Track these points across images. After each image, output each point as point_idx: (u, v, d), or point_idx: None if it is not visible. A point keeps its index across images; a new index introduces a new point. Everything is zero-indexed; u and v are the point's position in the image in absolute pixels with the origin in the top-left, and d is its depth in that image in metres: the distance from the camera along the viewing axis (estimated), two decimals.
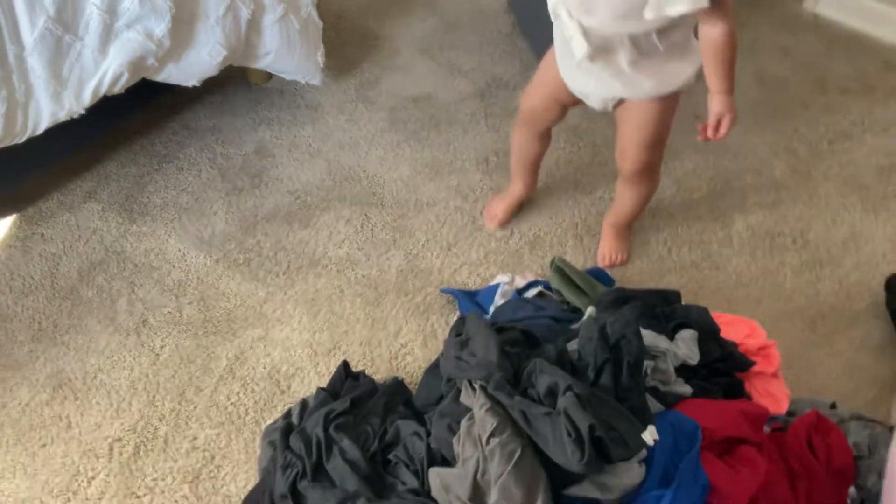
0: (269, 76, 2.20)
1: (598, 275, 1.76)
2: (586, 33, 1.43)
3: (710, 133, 1.46)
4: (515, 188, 1.95)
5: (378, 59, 2.37)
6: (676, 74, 1.48)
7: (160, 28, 1.71)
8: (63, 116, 1.70)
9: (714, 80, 1.42)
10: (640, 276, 1.85)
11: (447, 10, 2.55)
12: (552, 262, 1.70)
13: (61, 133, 1.75)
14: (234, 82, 2.23)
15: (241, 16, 1.82)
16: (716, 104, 1.43)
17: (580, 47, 1.44)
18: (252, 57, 1.94)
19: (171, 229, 1.92)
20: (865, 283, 1.84)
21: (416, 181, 2.05)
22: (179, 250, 1.88)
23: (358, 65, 2.34)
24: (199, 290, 1.81)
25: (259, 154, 2.10)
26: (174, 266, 1.85)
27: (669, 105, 1.55)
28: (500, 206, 1.97)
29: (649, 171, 1.68)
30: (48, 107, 1.67)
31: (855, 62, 2.37)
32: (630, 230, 1.89)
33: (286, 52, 1.96)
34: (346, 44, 2.39)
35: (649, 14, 1.32)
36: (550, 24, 1.59)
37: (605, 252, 1.86)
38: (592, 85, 1.55)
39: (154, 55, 1.73)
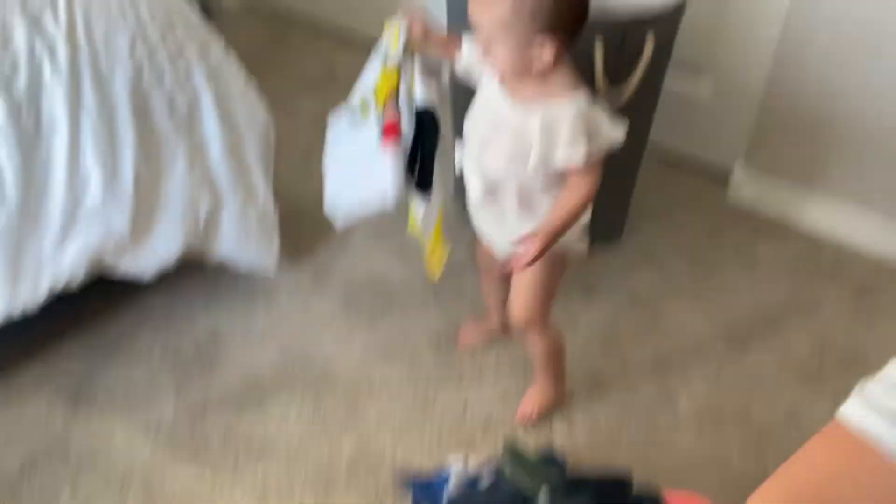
0: None
1: (552, 457, 1.76)
2: (482, 174, 1.52)
3: (514, 263, 1.49)
4: (491, 321, 2.05)
5: (332, 244, 2.45)
6: None
7: (120, 221, 1.77)
8: (17, 312, 1.71)
9: (545, 218, 1.46)
10: (591, 454, 1.86)
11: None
12: (504, 444, 1.71)
13: (10, 323, 1.75)
14: (189, 268, 2.28)
15: (200, 209, 1.89)
16: (528, 237, 1.44)
17: (475, 187, 1.53)
18: (209, 249, 2.00)
19: (117, 419, 1.89)
20: None
21: (369, 364, 2.07)
22: (126, 440, 1.84)
23: (312, 249, 2.42)
24: (144, 481, 1.76)
25: (212, 340, 2.11)
26: (120, 457, 1.81)
27: (551, 265, 1.61)
28: (475, 333, 2.09)
29: (532, 326, 1.75)
30: (2, 303, 1.68)
31: (779, 246, 2.51)
32: (553, 393, 1.91)
33: (243, 242, 2.02)
34: (302, 228, 2.46)
35: (533, 161, 1.41)
36: None
37: (520, 408, 1.91)
38: (488, 232, 1.66)
39: (113, 248, 1.78)
